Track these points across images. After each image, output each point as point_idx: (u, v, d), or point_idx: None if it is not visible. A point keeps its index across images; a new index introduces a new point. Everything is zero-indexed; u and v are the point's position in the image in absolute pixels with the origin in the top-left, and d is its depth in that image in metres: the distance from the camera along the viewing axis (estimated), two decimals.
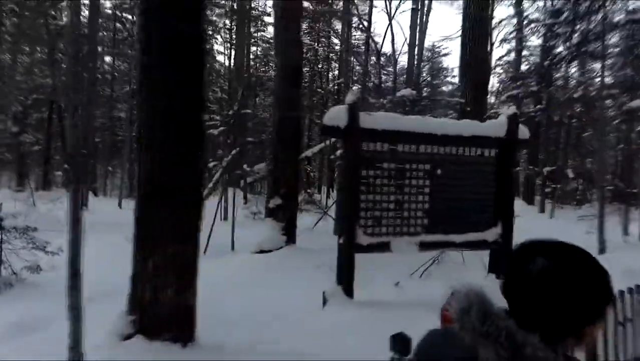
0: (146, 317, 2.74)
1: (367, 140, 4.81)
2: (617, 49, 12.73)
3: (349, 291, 4.67)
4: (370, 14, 18.92)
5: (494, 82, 23.36)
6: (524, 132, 5.41)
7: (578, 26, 9.41)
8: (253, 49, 26.69)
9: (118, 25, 23.40)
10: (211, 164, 10.87)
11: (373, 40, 16.54)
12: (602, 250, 7.78)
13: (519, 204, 18.99)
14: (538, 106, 18.82)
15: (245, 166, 12.01)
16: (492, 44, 23.14)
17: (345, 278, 4.69)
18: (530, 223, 13.92)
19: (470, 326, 0.85)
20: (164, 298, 2.68)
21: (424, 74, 25.82)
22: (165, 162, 2.69)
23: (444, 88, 28.37)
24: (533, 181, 21.11)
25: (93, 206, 14.34)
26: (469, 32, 8.82)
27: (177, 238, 2.73)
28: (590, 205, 14.87)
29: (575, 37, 9.50)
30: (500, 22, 20.20)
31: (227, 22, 25.54)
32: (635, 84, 11.87)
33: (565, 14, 11.13)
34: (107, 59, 24.64)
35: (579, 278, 0.86)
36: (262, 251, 6.39)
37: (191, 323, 2.99)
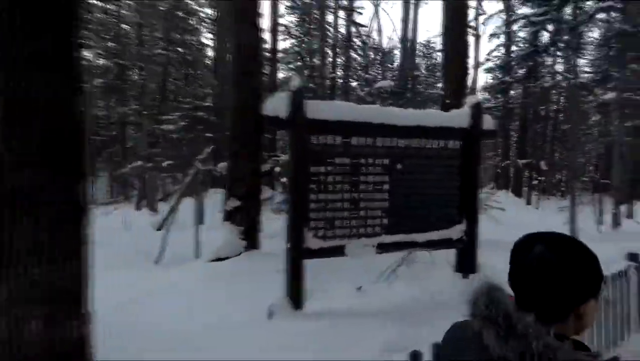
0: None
1: (316, 132, 4.32)
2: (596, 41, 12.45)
3: (297, 302, 4.19)
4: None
5: (487, 78, 23.06)
6: (488, 122, 4.96)
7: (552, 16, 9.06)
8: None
9: None
10: (165, 164, 10.31)
11: (355, 24, 15.98)
12: None
13: (507, 197, 18.91)
14: (523, 101, 18.54)
15: (216, 165, 11.49)
16: (478, 37, 22.83)
17: (293, 287, 4.21)
18: (515, 215, 13.64)
19: (478, 312, 0.95)
20: (28, 332, 2.17)
21: (422, 70, 25.46)
22: (20, 163, 2.17)
23: (439, 84, 28.06)
24: (521, 174, 20.84)
25: None
26: (449, 26, 8.37)
27: (46, 256, 2.22)
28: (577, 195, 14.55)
29: (551, 27, 9.14)
30: (490, 16, 19.77)
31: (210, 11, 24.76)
32: (610, 77, 11.56)
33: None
34: None
35: (571, 262, 0.97)
36: (219, 259, 5.88)
37: (81, 357, 2.48)
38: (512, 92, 20.12)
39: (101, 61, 19.78)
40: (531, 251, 0.98)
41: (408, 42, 16.50)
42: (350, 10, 17.41)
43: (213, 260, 5.84)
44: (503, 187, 20.86)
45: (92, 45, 19.63)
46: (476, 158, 4.96)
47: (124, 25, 20.43)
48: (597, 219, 10.38)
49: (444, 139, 4.79)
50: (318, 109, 4.31)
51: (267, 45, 17.98)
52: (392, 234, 4.60)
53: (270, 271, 5.67)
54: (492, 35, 14.01)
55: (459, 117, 4.81)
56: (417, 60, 21.68)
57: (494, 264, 5.41)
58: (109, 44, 19.25)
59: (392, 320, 3.94)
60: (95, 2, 18.67)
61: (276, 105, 4.18)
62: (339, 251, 4.39)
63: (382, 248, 4.56)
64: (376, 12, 18.14)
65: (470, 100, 4.86)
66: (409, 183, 4.70)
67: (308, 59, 20.42)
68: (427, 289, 5.03)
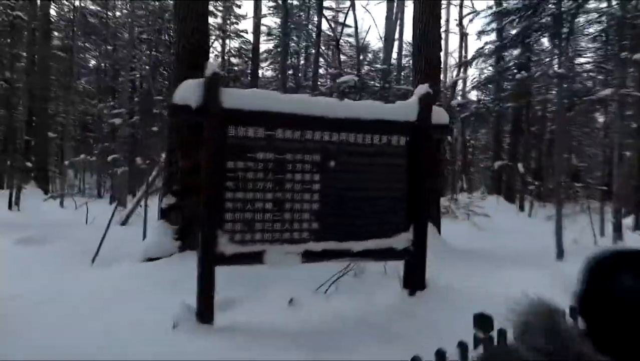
0: None
1: (234, 123, 3.81)
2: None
3: (204, 315, 3.68)
4: None
5: (478, 74, 22.40)
6: (440, 115, 4.43)
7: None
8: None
9: None
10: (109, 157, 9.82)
11: (338, 24, 15.49)
12: (560, 255, 6.80)
13: (498, 202, 18.26)
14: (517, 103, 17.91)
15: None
16: (464, 36, 22.18)
17: (201, 299, 3.71)
18: (502, 221, 13.02)
19: (534, 345, 0.77)
20: None
21: (406, 70, 24.83)
22: None
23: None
24: (514, 178, 20.19)
25: None
26: (419, 14, 7.82)
27: None
28: (574, 203, 13.81)
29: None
30: (477, 13, 19.17)
31: None
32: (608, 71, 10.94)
33: None
34: None
35: None
36: (150, 259, 5.39)
37: None
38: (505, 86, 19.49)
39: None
40: (616, 277, 0.79)
41: (393, 40, 15.97)
42: (334, 10, 16.95)
43: (143, 261, 5.35)
44: (495, 192, 20.22)
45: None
46: (426, 157, 4.43)
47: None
48: (593, 231, 9.72)
49: (387, 134, 4.26)
50: (236, 97, 3.81)
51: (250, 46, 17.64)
52: (322, 241, 4.08)
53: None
54: (481, 33, 13.48)
55: (405, 109, 4.28)
56: (407, 59, 21.05)
57: (451, 281, 4.86)
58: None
59: (306, 343, 3.42)
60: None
61: (186, 93, 3.69)
62: (257, 258, 3.87)
63: (309, 256, 4.04)
64: (353, 7, 17.20)
65: (419, 90, 4.32)
66: (345, 184, 4.17)
67: (291, 59, 20.00)
68: (365, 308, 4.48)
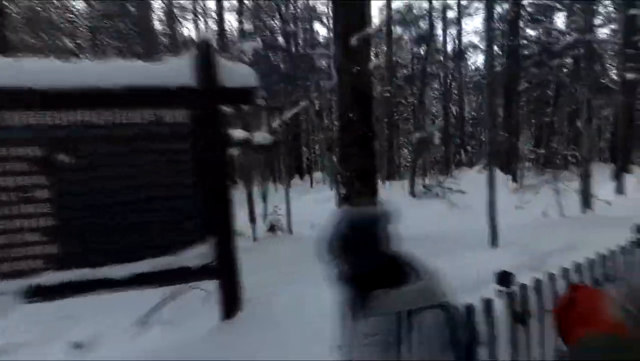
0: None
1: None
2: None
3: None
4: None
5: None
6: (238, 75, 3.04)
7: None
8: None
9: None
10: None
11: None
12: (494, 241, 5.33)
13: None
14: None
15: None
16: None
17: None
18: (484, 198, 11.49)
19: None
20: None
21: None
22: None
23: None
24: (510, 150, 18.43)
25: None
26: None
27: None
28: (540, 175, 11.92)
29: None
30: None
31: None
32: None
33: None
34: None
35: None
36: None
37: None
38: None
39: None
40: (347, 226, 1.26)
41: None
42: None
43: None
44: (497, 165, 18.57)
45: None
46: (220, 137, 3.06)
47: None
48: (558, 201, 8.18)
49: (154, 107, 2.92)
50: None
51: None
52: (60, 270, 2.80)
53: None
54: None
55: (177, 69, 2.92)
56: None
57: (280, 292, 3.59)
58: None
59: None
60: None
61: None
62: None
63: (40, 294, 2.77)
64: None
65: (199, 40, 2.93)
66: (94, 185, 2.87)
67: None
68: (174, 344, 3.26)
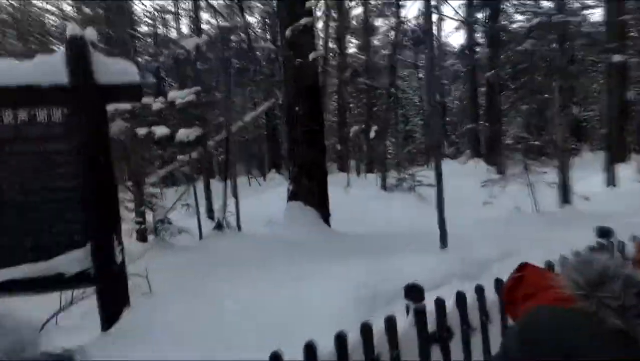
0: None
1: None
2: None
3: None
4: None
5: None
6: (118, 71, 2.88)
7: None
8: None
9: None
10: None
11: None
12: (443, 241, 5.11)
13: (476, 167, 16.42)
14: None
15: None
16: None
17: None
18: (458, 190, 11.25)
19: (616, 304, 0.72)
20: None
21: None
22: None
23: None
24: (493, 139, 18.25)
25: None
26: None
27: None
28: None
29: None
30: None
31: None
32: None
33: None
34: None
35: None
36: None
37: None
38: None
39: None
40: None
41: None
42: None
43: None
44: (476, 155, 18.37)
45: None
46: (99, 136, 2.91)
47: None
48: (532, 195, 7.92)
49: (25, 106, 2.78)
50: None
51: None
52: None
53: None
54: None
55: (49, 67, 2.77)
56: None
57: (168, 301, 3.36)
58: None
59: None
60: None
61: None
62: None
63: None
64: None
65: (70, 33, 2.77)
66: None
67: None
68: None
